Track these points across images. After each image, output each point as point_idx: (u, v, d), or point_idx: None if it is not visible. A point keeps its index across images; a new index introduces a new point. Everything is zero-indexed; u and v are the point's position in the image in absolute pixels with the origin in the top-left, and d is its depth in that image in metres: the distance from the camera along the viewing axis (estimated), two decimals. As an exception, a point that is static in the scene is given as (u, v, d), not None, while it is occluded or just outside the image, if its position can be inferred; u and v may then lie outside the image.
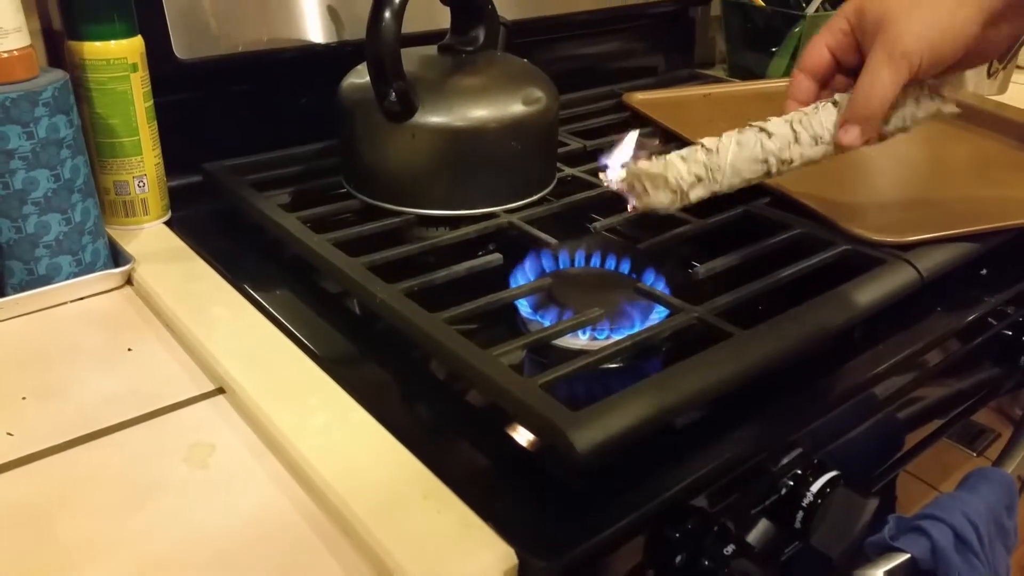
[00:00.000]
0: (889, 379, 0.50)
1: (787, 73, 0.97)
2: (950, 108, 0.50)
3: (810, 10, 0.95)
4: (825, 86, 0.51)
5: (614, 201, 0.64)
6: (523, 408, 0.39)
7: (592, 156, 0.72)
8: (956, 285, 0.57)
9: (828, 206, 0.60)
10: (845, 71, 0.51)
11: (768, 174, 0.47)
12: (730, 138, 0.46)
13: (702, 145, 0.46)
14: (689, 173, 0.45)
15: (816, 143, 0.48)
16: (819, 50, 0.50)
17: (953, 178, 0.70)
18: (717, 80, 1.01)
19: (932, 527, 0.52)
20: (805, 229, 0.58)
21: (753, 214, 0.61)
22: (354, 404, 0.44)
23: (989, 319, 0.59)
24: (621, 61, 1.01)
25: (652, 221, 0.61)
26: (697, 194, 0.46)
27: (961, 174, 0.71)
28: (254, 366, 0.46)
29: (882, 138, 0.50)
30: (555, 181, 0.64)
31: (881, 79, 0.46)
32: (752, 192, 0.63)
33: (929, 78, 0.48)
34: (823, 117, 0.48)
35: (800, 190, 0.62)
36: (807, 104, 0.50)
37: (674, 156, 0.45)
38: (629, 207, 0.47)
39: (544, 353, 0.49)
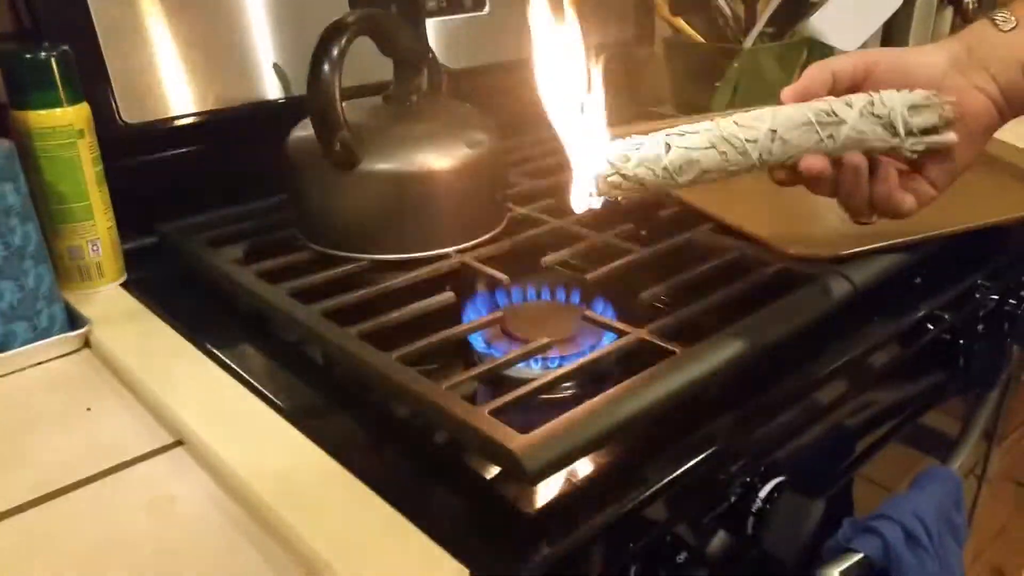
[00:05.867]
0: (830, 385, 0.52)
1: (730, 105, 1.01)
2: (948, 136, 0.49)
3: (747, 44, 0.99)
4: None
5: (563, 236, 0.66)
6: (474, 434, 0.40)
7: (542, 194, 0.74)
8: (892, 295, 0.59)
9: (765, 229, 0.62)
10: None
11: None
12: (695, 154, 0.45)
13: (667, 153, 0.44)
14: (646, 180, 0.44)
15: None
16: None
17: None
18: (663, 116, 1.04)
19: (884, 526, 0.53)
20: (743, 251, 0.61)
21: (695, 241, 0.64)
22: (314, 447, 0.45)
23: (927, 324, 0.61)
24: (567, 102, 1.04)
25: (600, 253, 0.63)
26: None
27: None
28: (212, 417, 0.47)
29: (839, 163, 0.49)
30: (505, 220, 0.66)
31: (826, 62, 0.50)
32: (695, 220, 0.66)
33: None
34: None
35: (738, 217, 0.64)
36: None
37: (634, 177, 0.44)
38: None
39: (498, 385, 0.50)
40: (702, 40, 1.03)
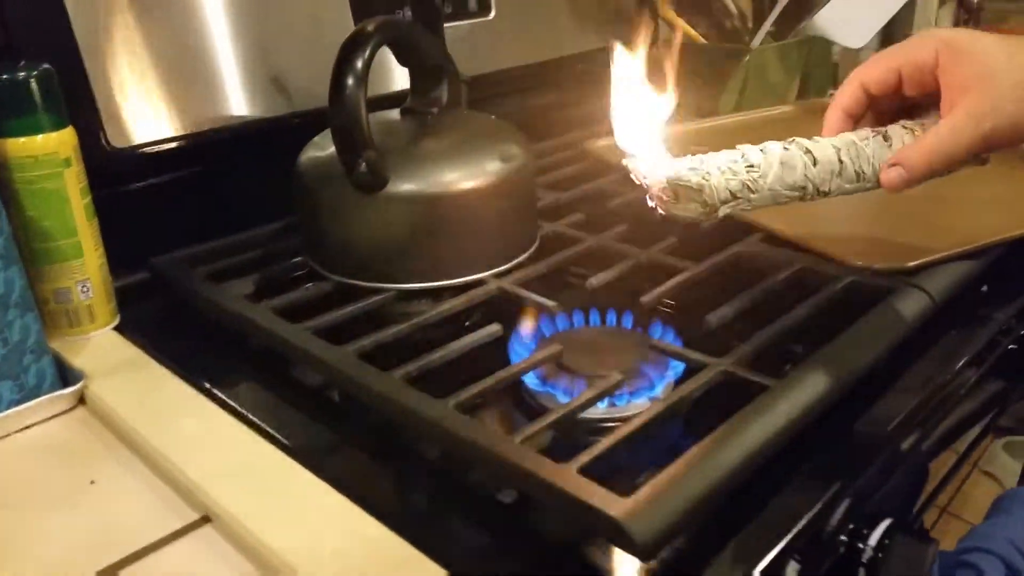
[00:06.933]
0: (923, 409, 0.47)
1: (737, 108, 0.97)
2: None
3: (755, 44, 0.95)
4: (857, 122, 0.49)
5: (603, 254, 0.61)
6: (565, 500, 0.34)
7: (570, 207, 0.69)
8: (962, 304, 0.55)
9: (821, 239, 0.58)
10: (879, 110, 0.49)
11: (800, 199, 0.44)
12: (774, 156, 0.42)
13: (743, 156, 0.42)
14: (726, 190, 0.41)
15: (858, 179, 0.44)
16: (855, 88, 0.48)
17: (944, 197, 0.68)
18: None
19: (981, 560, 0.49)
20: (805, 264, 0.56)
21: (749, 253, 0.59)
22: (362, 514, 0.38)
23: (1000, 336, 0.57)
24: (578, 108, 0.99)
25: (648, 272, 0.58)
26: (725, 211, 0.41)
27: (952, 192, 0.69)
28: (239, 484, 0.41)
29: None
30: (539, 239, 0.61)
31: (958, 141, 0.44)
32: (744, 230, 0.61)
33: None
34: (872, 151, 0.45)
35: (790, 226, 0.60)
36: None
37: (715, 168, 0.41)
38: (656, 207, 0.42)
39: (562, 426, 0.45)
40: (703, 41, 0.99)
